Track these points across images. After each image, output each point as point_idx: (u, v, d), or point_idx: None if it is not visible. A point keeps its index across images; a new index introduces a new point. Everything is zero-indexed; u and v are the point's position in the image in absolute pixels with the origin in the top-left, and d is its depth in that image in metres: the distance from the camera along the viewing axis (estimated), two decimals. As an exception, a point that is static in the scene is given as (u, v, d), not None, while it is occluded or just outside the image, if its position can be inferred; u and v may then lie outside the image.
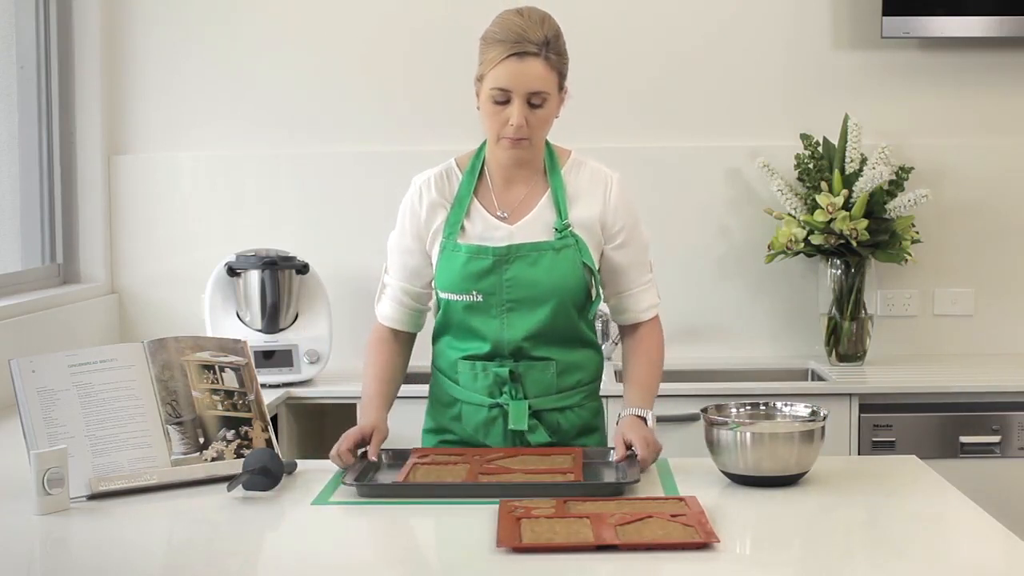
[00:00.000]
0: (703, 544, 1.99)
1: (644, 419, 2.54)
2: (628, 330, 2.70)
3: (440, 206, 2.61)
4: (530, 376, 2.59)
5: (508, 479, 2.37)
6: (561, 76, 2.52)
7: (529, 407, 2.59)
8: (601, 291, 2.63)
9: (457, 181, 2.62)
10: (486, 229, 2.57)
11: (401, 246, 2.66)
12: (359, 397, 3.53)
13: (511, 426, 2.58)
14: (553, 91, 2.50)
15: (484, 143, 2.63)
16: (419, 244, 2.63)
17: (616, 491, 2.30)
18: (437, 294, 2.63)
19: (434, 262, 2.62)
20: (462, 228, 2.58)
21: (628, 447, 2.46)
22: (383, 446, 2.57)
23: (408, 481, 2.39)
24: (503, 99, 2.47)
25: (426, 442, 2.74)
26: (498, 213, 2.59)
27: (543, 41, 2.46)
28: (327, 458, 2.54)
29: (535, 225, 2.57)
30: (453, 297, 2.58)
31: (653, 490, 2.33)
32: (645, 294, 2.66)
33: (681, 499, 2.22)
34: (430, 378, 2.76)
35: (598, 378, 2.71)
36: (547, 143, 2.62)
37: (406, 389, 3.60)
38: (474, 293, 2.56)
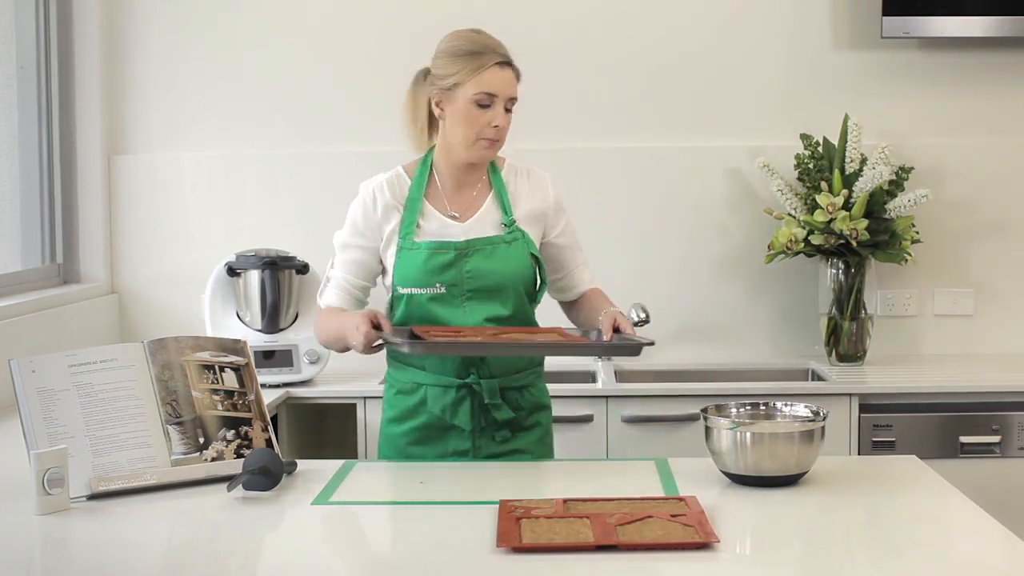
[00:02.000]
0: (703, 544, 1.99)
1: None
2: (575, 300, 2.94)
3: (394, 208, 2.80)
4: (493, 358, 2.78)
5: (530, 339, 2.71)
6: None
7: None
8: (547, 278, 2.87)
9: (407, 185, 2.82)
10: (441, 227, 2.79)
11: (351, 243, 2.84)
12: (359, 397, 3.58)
13: (487, 400, 2.75)
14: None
15: (430, 151, 2.83)
16: (370, 243, 2.81)
17: (636, 350, 2.61)
18: (396, 291, 2.79)
19: (389, 262, 2.80)
20: (418, 227, 2.78)
21: (615, 329, 2.68)
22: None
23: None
24: (488, 103, 2.72)
25: (390, 430, 2.85)
26: (450, 213, 2.80)
27: (509, 55, 2.78)
28: (327, 458, 2.54)
29: (484, 222, 2.80)
30: (416, 291, 2.77)
31: (653, 490, 2.33)
32: (585, 269, 2.93)
33: (681, 499, 2.22)
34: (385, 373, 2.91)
35: (543, 360, 2.92)
36: None
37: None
38: (437, 285, 2.76)
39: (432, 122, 2.81)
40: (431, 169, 2.83)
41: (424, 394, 2.79)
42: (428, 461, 2.73)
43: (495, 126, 2.72)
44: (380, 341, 2.63)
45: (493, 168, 2.85)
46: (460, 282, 2.75)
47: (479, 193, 2.83)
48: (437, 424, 2.78)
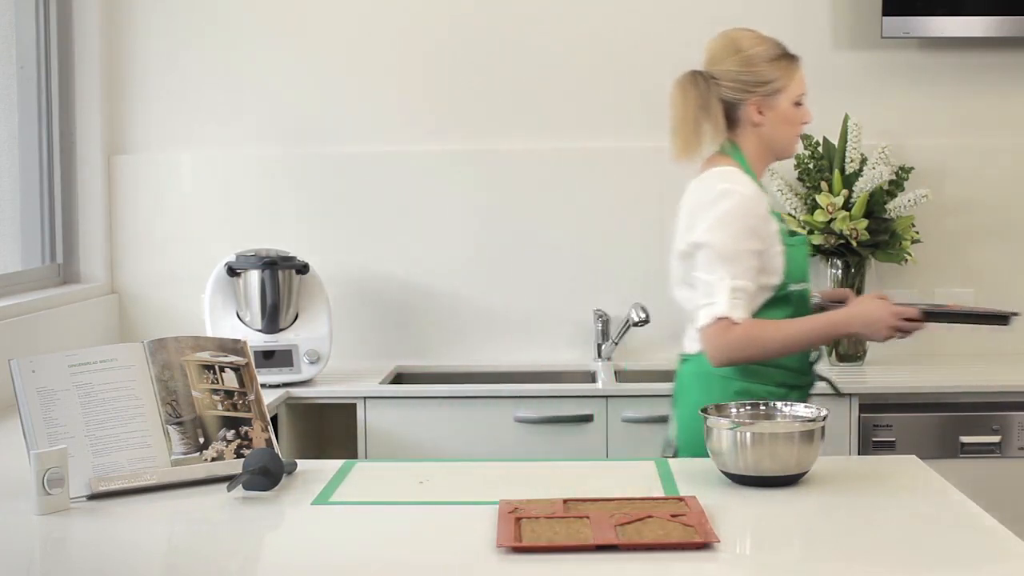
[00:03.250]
0: (703, 544, 1.99)
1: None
2: None
3: (770, 208, 2.78)
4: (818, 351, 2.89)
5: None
6: None
7: None
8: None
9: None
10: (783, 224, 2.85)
11: (751, 248, 2.71)
12: (359, 397, 3.57)
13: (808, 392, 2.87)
14: None
15: (735, 152, 2.81)
16: (764, 246, 2.72)
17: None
18: (786, 289, 2.76)
19: (775, 261, 2.73)
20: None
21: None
22: None
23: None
24: (802, 101, 2.82)
25: None
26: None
27: None
28: (327, 458, 2.54)
29: None
30: (805, 285, 2.81)
31: (653, 490, 2.33)
32: None
33: (681, 499, 2.22)
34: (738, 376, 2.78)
35: None
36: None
37: (415, 389, 3.63)
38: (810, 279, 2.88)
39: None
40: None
41: (790, 397, 2.77)
42: None
43: (807, 122, 2.85)
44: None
45: None
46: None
47: None
48: None
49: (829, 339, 2.78)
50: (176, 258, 4.07)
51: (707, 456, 2.44)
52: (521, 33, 4.05)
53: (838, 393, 3.02)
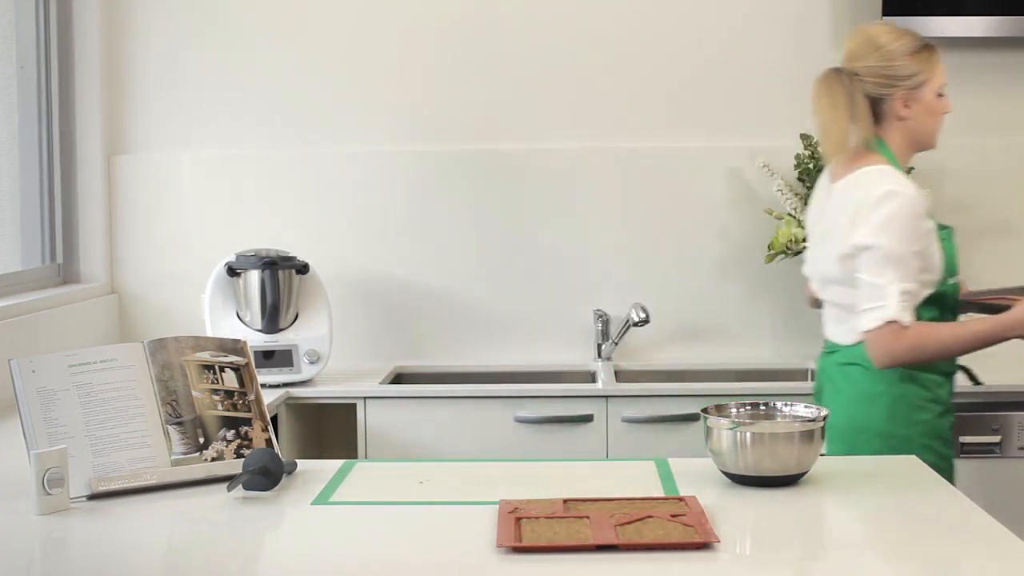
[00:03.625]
0: (703, 544, 1.99)
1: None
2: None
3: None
4: None
5: None
6: None
7: None
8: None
9: None
10: None
11: (913, 250, 2.71)
12: (359, 397, 3.57)
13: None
14: None
15: (882, 147, 2.81)
16: (923, 246, 2.72)
17: None
18: (945, 282, 2.78)
19: (936, 258, 2.75)
20: None
21: None
22: None
23: None
24: (943, 92, 2.86)
25: (943, 423, 2.83)
26: None
27: None
28: (327, 458, 2.54)
29: None
30: (957, 279, 2.84)
31: (653, 490, 2.33)
32: None
33: (681, 499, 2.22)
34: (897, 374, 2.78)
35: None
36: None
37: (415, 389, 3.64)
38: None
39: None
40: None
41: (944, 387, 2.83)
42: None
43: (947, 111, 2.87)
44: None
45: None
46: None
47: None
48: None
49: (994, 343, 2.74)
50: (176, 258, 4.07)
51: (860, 445, 2.60)
52: (521, 33, 4.05)
53: (977, 382, 3.07)
